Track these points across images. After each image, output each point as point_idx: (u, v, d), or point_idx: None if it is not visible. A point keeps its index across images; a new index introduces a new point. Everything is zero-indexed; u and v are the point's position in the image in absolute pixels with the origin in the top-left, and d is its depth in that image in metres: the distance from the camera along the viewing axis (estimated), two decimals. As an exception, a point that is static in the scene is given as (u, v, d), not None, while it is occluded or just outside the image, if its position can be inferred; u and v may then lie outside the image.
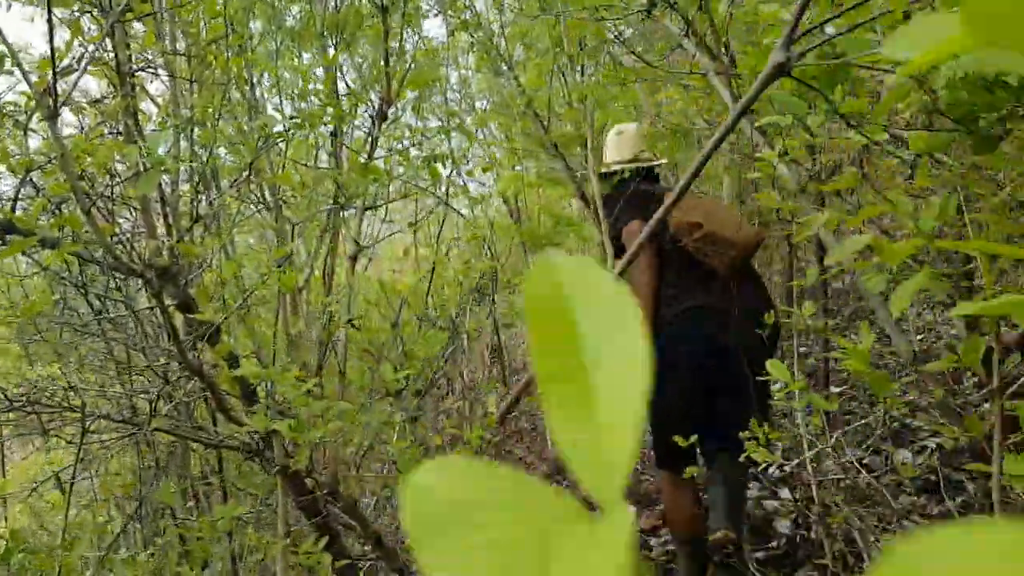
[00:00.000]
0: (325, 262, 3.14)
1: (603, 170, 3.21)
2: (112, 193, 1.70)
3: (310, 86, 2.82)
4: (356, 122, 3.54)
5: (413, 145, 2.82)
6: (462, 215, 5.00)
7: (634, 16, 2.73)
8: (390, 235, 3.01)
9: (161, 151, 1.38)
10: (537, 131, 8.18)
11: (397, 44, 2.96)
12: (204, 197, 2.52)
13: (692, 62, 2.65)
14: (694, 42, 2.64)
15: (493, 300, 3.89)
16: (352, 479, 2.14)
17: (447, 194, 3.63)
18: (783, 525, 3.31)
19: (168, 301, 2.34)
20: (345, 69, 3.07)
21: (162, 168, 1.30)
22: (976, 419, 1.57)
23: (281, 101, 3.68)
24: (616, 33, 2.73)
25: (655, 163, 3.18)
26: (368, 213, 2.79)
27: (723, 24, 2.47)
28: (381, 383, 2.36)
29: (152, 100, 3.31)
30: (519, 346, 9.35)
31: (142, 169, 1.48)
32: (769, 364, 1.76)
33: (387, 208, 2.84)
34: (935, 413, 3.33)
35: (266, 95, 4.25)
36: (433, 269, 3.37)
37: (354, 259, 2.64)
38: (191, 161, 2.06)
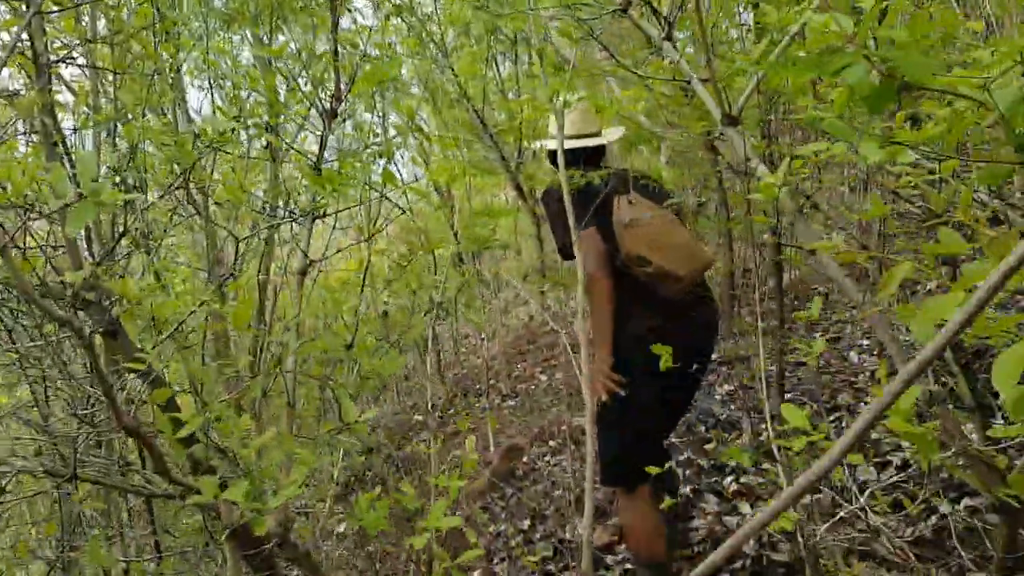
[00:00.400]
0: (258, 281, 2.87)
1: (547, 147, 3.05)
2: (29, 225, 1.43)
3: (244, 83, 2.54)
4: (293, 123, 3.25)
5: (367, 147, 2.56)
6: (399, 207, 4.75)
7: (606, 16, 2.54)
8: (346, 247, 2.75)
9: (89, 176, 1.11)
10: (472, 120, 7.96)
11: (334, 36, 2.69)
12: (131, 206, 2.23)
13: (671, 66, 2.48)
14: (672, 46, 2.46)
15: (441, 307, 3.67)
16: (303, 528, 1.89)
17: (382, 184, 3.37)
18: (747, 545, 3.21)
19: (89, 327, 2.04)
20: (286, 60, 2.78)
21: (96, 203, 1.04)
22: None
23: (212, 92, 3.37)
24: (588, 32, 2.53)
25: (601, 140, 2.98)
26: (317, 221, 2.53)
27: (708, 28, 2.30)
28: (338, 422, 2.12)
29: (68, 87, 2.96)
30: (450, 338, 9.12)
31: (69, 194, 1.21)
32: (784, 408, 1.60)
33: (337, 216, 2.58)
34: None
35: (193, 81, 3.90)
36: (368, 264, 3.13)
37: (303, 274, 2.37)
38: (121, 169, 1.78)
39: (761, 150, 2.09)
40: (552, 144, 2.96)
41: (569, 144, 2.88)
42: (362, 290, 3.16)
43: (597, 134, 3.00)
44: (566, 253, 2.80)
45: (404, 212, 3.23)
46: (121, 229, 2.23)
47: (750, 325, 5.64)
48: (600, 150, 3.02)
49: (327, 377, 2.30)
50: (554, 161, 3.17)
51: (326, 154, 2.51)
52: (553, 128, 3.00)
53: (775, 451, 2.43)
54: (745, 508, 3.48)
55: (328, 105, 2.49)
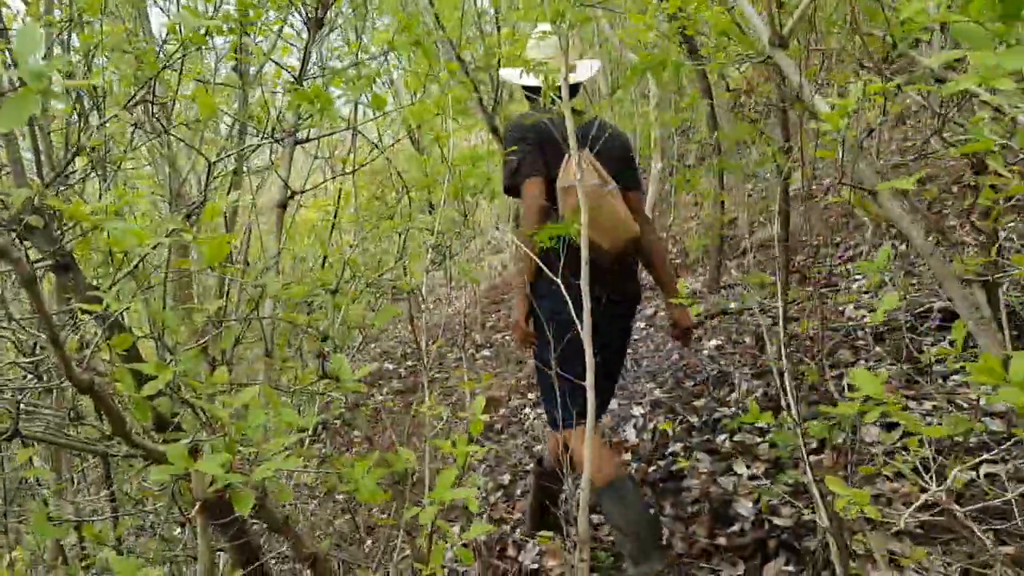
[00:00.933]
0: (225, 216, 2.58)
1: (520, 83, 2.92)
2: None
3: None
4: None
5: (355, 64, 2.27)
6: (374, 144, 4.45)
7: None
8: (330, 178, 2.45)
9: (32, 61, 0.83)
10: (448, 56, 7.57)
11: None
12: (87, 121, 1.92)
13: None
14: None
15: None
16: (281, 490, 1.65)
17: (354, 119, 3.07)
18: (745, 507, 3.05)
19: (38, 260, 1.76)
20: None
21: (39, 92, 0.77)
22: None
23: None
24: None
25: (577, 77, 2.87)
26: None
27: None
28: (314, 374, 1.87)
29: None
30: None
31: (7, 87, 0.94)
32: (857, 375, 1.39)
33: (320, 142, 2.29)
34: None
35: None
36: (339, 199, 2.86)
37: (283, 207, 2.09)
38: (75, 75, 1.48)
39: (812, 74, 1.85)
40: (525, 81, 2.84)
41: (536, 81, 2.74)
42: (332, 230, 2.88)
43: (572, 69, 2.76)
44: (510, 192, 2.82)
45: (377, 149, 2.94)
46: (75, 149, 1.93)
47: (743, 278, 5.47)
48: (574, 86, 2.88)
49: (310, 326, 2.04)
50: (528, 95, 3.03)
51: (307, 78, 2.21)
52: (534, 53, 2.89)
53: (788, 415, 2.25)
54: (741, 468, 3.32)
55: (314, 11, 2.18)
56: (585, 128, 2.75)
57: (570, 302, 2.32)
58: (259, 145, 1.97)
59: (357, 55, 2.16)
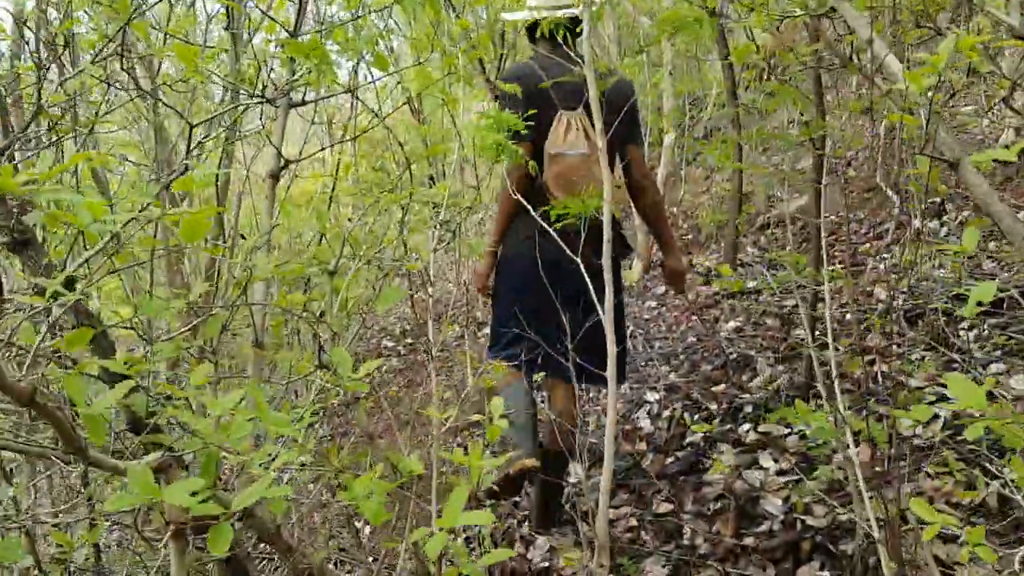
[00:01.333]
0: (217, 183, 2.34)
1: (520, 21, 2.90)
2: None
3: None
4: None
5: (355, 19, 2.02)
6: (374, 112, 4.20)
7: None
8: (326, 147, 2.20)
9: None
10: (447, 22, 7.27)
11: None
12: (52, 76, 1.68)
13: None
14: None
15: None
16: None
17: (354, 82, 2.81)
18: (774, 505, 2.84)
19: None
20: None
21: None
22: None
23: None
24: None
25: (574, 11, 2.74)
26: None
27: None
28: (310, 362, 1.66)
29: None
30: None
31: None
32: (952, 382, 1.16)
33: (316, 107, 2.04)
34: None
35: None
36: (337, 170, 2.62)
37: (276, 177, 1.86)
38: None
39: (880, 30, 1.61)
40: (515, 16, 2.91)
41: (533, 14, 2.76)
42: (330, 203, 2.64)
43: (570, 6, 2.77)
44: None
45: (377, 117, 2.68)
46: (35, 108, 1.69)
47: (776, 255, 5.23)
48: (575, 22, 2.78)
49: (305, 308, 1.81)
50: (531, 36, 2.93)
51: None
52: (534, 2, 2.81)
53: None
54: (767, 462, 3.11)
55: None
56: (578, 84, 2.54)
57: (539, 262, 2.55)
58: (248, 106, 1.73)
59: (360, 6, 1.91)
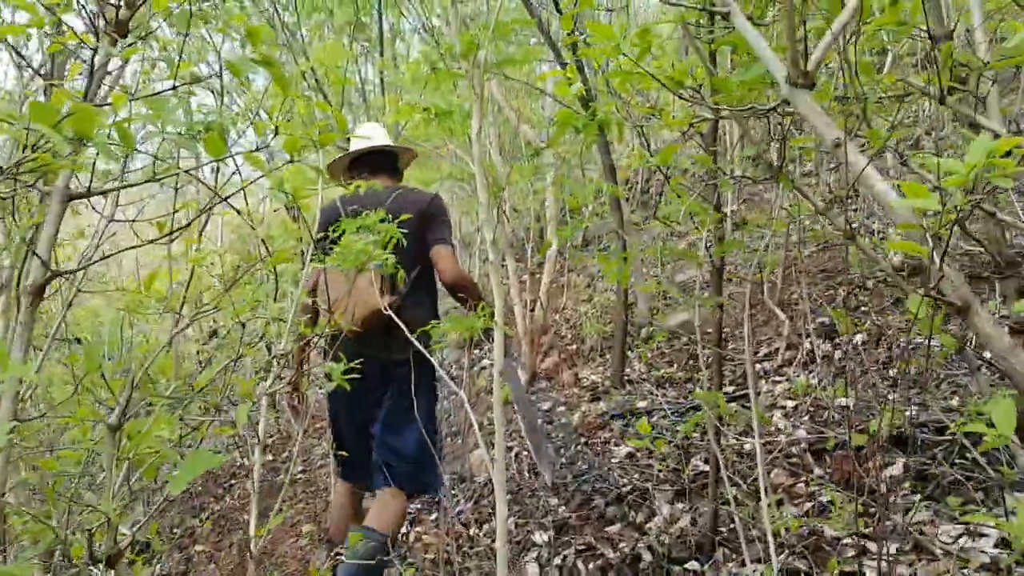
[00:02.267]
0: None
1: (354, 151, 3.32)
2: None
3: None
4: None
5: (174, 88, 1.56)
6: (236, 210, 3.69)
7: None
8: (131, 247, 1.66)
9: None
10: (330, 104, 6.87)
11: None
12: None
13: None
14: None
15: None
16: None
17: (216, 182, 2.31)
18: None
19: None
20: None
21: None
22: None
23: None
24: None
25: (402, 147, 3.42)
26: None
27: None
28: None
29: None
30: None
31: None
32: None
33: (118, 198, 1.52)
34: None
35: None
36: (191, 275, 2.11)
37: (39, 294, 1.32)
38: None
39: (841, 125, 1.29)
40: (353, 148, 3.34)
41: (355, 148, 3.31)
42: (181, 307, 2.09)
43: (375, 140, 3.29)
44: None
45: (237, 212, 2.26)
46: None
47: (645, 375, 4.92)
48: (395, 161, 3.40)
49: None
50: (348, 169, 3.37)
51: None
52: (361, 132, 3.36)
53: None
54: None
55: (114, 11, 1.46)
56: (380, 196, 2.96)
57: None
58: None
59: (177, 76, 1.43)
